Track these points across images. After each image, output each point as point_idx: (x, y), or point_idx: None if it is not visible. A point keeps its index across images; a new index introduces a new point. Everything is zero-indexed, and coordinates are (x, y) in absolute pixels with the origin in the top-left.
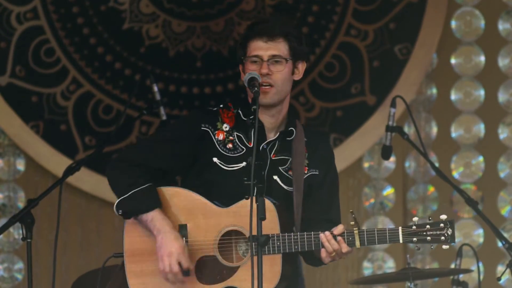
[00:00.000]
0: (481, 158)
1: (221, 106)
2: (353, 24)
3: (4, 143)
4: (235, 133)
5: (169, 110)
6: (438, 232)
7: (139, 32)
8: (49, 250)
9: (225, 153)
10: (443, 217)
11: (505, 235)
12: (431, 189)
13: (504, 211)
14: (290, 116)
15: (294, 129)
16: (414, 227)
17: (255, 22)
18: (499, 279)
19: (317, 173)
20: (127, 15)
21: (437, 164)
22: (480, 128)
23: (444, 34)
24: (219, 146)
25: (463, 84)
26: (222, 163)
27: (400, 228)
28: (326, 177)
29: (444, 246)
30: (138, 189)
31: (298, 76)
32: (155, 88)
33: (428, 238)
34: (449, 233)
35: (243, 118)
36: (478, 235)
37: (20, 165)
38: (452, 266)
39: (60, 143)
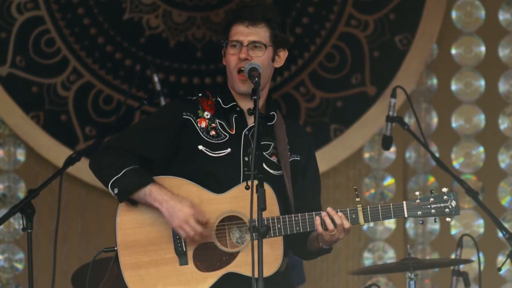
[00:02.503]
0: (481, 149)
1: (199, 95)
2: (354, 15)
3: (4, 133)
4: (217, 120)
5: (170, 100)
6: (442, 205)
7: (140, 22)
8: (50, 240)
9: (210, 140)
10: (445, 189)
11: (506, 225)
12: (432, 179)
13: (505, 201)
14: (269, 102)
15: (275, 114)
16: (418, 201)
17: (239, 7)
18: (499, 269)
19: (298, 158)
20: (127, 5)
21: (437, 155)
22: (481, 119)
23: (445, 24)
24: (202, 133)
25: (463, 74)
26: (208, 150)
27: (404, 202)
28: (308, 165)
29: (448, 219)
30: (130, 167)
31: (279, 63)
32: (155, 79)
33: (433, 211)
34: (453, 205)
35: (223, 106)
36: (479, 225)
37: (21, 155)
38: (453, 256)
39: (61, 134)
